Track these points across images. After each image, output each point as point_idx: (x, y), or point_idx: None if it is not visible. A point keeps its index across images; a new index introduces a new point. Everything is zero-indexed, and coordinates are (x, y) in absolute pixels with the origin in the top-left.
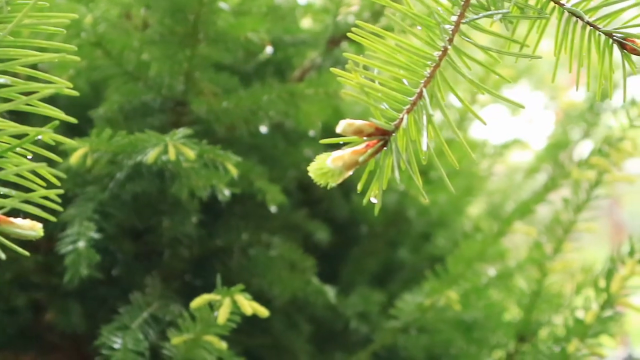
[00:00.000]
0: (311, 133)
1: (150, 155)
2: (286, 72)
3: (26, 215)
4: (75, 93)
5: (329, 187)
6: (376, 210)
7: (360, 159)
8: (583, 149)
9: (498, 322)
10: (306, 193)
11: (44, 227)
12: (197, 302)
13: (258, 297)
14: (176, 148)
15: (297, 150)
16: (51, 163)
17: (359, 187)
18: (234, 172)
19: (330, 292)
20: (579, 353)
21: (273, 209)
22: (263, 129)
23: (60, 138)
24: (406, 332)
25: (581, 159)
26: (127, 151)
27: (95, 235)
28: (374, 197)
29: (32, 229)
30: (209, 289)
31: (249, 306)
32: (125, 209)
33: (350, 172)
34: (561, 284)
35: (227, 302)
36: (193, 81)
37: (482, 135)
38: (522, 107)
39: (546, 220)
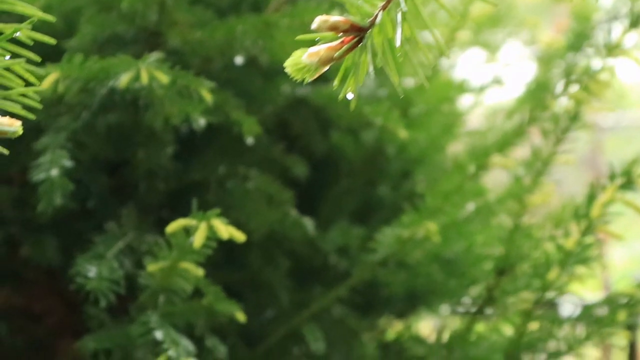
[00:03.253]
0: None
1: (122, 80)
2: (262, 9)
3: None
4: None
5: (304, 82)
6: (352, 105)
7: (336, 54)
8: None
9: (477, 256)
10: (284, 129)
11: (17, 159)
12: (173, 227)
13: None
14: (149, 72)
15: (273, 85)
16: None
17: (336, 82)
18: (208, 98)
19: (309, 224)
20: (559, 281)
21: (249, 140)
22: (238, 60)
23: (38, 36)
24: (385, 265)
25: (559, 92)
26: (99, 77)
27: (68, 164)
28: (350, 93)
29: (11, 125)
30: None
31: (226, 230)
32: (99, 140)
33: (326, 68)
34: (541, 218)
35: (203, 226)
36: (167, 11)
37: (461, 76)
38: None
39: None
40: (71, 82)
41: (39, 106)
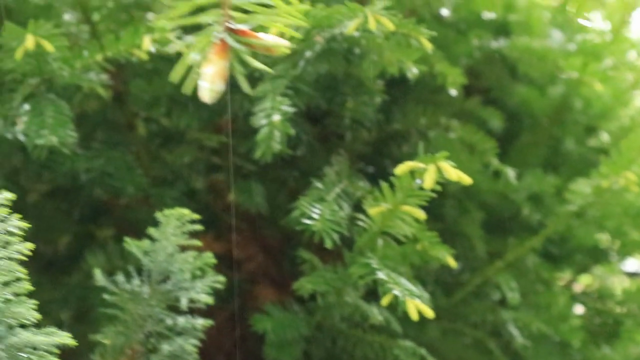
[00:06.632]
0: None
1: (350, 26)
2: None
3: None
4: None
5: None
6: None
7: None
8: None
9: None
10: (477, 81)
11: (225, 108)
12: (401, 168)
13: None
14: (376, 19)
15: (466, 39)
16: None
17: None
18: (428, 46)
19: (511, 172)
20: None
21: (453, 92)
22: (444, 12)
23: None
24: (581, 217)
25: None
26: (322, 25)
27: (289, 110)
28: None
29: (278, 43)
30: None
31: (455, 173)
32: (310, 89)
33: None
34: None
35: (432, 168)
36: None
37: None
38: None
39: None
40: (295, 30)
41: (305, 24)
